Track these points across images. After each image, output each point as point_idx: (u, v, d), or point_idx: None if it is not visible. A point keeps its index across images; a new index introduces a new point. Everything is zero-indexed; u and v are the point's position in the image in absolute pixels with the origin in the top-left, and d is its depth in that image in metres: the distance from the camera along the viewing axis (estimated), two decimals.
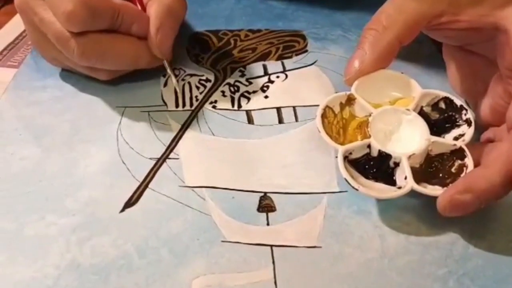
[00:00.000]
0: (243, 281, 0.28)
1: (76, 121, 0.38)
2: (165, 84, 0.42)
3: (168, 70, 0.41)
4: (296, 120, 0.39)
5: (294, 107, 0.40)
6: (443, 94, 0.34)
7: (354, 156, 0.32)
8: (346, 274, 0.29)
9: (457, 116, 0.34)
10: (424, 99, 0.34)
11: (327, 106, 0.34)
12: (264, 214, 0.32)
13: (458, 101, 0.34)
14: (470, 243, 0.30)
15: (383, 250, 0.30)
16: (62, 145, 0.36)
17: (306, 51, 0.47)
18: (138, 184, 0.34)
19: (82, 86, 0.42)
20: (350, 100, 0.35)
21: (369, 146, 0.32)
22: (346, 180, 0.30)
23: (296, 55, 0.46)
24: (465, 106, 0.34)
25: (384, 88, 0.35)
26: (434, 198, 0.29)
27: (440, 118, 0.34)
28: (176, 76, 0.42)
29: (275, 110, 0.40)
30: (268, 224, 0.31)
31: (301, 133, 0.38)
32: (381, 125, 0.33)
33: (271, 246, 0.30)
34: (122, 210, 0.32)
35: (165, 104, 0.40)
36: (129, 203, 0.33)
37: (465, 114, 0.33)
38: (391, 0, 0.34)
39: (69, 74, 0.43)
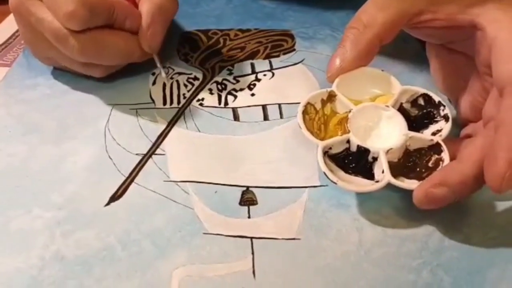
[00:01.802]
0: (222, 272, 0.29)
1: (64, 119, 0.39)
2: (154, 83, 0.43)
3: (158, 64, 0.42)
4: (281, 117, 0.40)
5: (279, 105, 0.41)
6: (422, 90, 0.35)
7: (334, 151, 0.33)
8: (323, 265, 0.29)
9: (435, 112, 0.35)
10: (404, 95, 0.35)
11: (308, 103, 0.35)
12: (246, 207, 0.33)
13: (437, 98, 0.35)
14: (445, 235, 0.31)
15: (360, 243, 0.31)
16: (50, 142, 0.37)
17: (294, 50, 0.47)
18: (124, 179, 0.35)
19: (73, 85, 0.43)
20: (331, 97, 0.35)
21: (348, 141, 0.33)
22: (325, 174, 0.31)
23: (284, 54, 0.47)
24: (443, 102, 0.34)
25: (365, 85, 0.36)
26: (411, 191, 0.30)
27: (419, 114, 0.35)
28: (165, 68, 0.44)
29: (260, 107, 0.41)
30: (249, 217, 0.32)
31: (286, 130, 0.39)
32: (361, 121, 0.34)
33: (251, 238, 0.31)
34: (107, 204, 0.33)
35: (153, 101, 0.41)
36: (114, 197, 0.33)
37: (443, 110, 0.34)
38: (372, 0, 0.35)
39: (60, 73, 0.44)
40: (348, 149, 0.33)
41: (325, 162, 0.32)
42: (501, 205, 0.33)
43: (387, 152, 0.32)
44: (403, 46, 0.45)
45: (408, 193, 0.31)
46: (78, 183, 0.34)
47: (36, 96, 0.41)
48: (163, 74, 0.42)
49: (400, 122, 0.33)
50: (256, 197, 0.33)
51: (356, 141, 0.32)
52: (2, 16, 0.53)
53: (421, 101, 0.35)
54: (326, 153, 0.32)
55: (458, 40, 0.35)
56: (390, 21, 0.34)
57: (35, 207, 0.33)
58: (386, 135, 0.33)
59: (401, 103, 0.35)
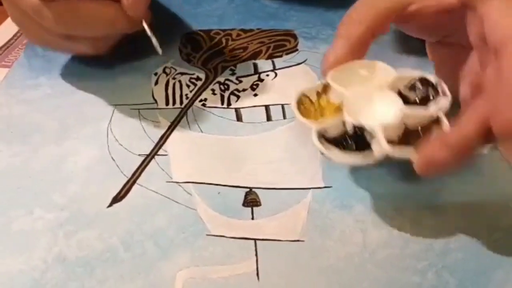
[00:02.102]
0: (226, 273, 0.29)
1: (66, 119, 0.39)
2: (156, 83, 0.43)
3: (148, 31, 0.40)
4: (284, 117, 0.40)
5: (282, 105, 0.41)
6: (418, 74, 0.35)
7: (331, 134, 0.32)
8: (327, 267, 0.29)
9: (434, 93, 0.34)
10: (401, 82, 0.35)
11: (303, 94, 0.34)
12: (249, 208, 0.33)
13: (434, 79, 0.34)
14: (451, 237, 0.31)
15: (364, 244, 0.30)
16: (51, 142, 0.37)
17: (297, 50, 0.47)
18: (126, 180, 0.34)
19: (74, 85, 0.42)
20: (326, 89, 0.35)
21: (344, 124, 0.32)
22: (321, 152, 0.31)
23: (287, 54, 0.47)
24: (440, 82, 0.34)
25: (360, 76, 0.35)
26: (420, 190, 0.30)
27: (418, 98, 0.35)
28: (156, 37, 0.41)
29: (263, 108, 0.41)
30: (252, 219, 0.32)
31: (289, 131, 0.38)
32: (355, 103, 0.33)
33: (255, 239, 0.31)
34: (110, 205, 0.33)
35: (156, 102, 0.41)
36: (117, 198, 0.33)
37: (441, 89, 0.34)
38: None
39: (61, 73, 0.43)
40: (345, 131, 0.32)
41: (322, 144, 0.31)
42: (506, 207, 0.33)
43: (384, 128, 0.31)
44: (404, 48, 0.45)
45: (413, 192, 0.30)
46: (80, 184, 0.34)
47: (38, 96, 0.41)
48: (154, 41, 0.40)
49: (395, 100, 0.33)
50: (259, 198, 0.33)
51: (351, 120, 0.32)
52: (3, 16, 0.53)
53: (419, 85, 0.35)
54: (323, 137, 0.32)
55: (452, 32, 0.35)
56: (380, 16, 0.34)
57: (37, 208, 0.32)
58: (382, 113, 0.33)
59: (399, 90, 0.35)
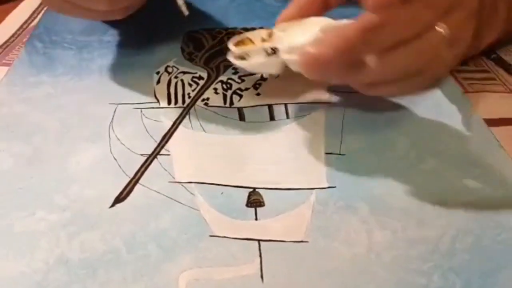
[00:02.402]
0: (229, 275, 0.29)
1: (68, 119, 0.39)
2: (158, 81, 0.43)
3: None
4: (288, 117, 0.39)
5: (285, 104, 0.40)
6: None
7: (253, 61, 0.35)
8: (332, 269, 0.29)
9: None
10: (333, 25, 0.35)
11: (247, 37, 0.37)
12: (253, 209, 0.32)
13: None
14: (457, 238, 0.30)
15: (369, 245, 0.30)
16: (53, 142, 0.37)
17: None
18: (128, 180, 0.34)
19: (76, 84, 0.42)
20: (270, 35, 0.36)
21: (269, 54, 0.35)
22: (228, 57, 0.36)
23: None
24: None
25: (307, 30, 0.35)
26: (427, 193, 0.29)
27: None
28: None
29: (266, 107, 0.40)
30: (256, 219, 0.32)
31: (292, 130, 0.38)
32: (281, 37, 0.35)
33: (259, 240, 0.30)
34: (112, 206, 0.32)
35: (158, 101, 0.41)
36: (119, 199, 0.33)
37: None
38: None
39: (63, 69, 0.43)
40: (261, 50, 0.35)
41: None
42: None
43: (292, 48, 0.33)
44: None
45: (418, 192, 0.30)
46: (82, 184, 0.34)
47: (39, 95, 0.41)
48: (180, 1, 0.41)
49: (321, 24, 0.34)
50: (263, 198, 0.33)
51: (268, 45, 0.34)
52: (2, 15, 0.52)
53: None
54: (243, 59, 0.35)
55: None
56: None
57: (39, 209, 0.32)
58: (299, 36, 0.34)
59: None
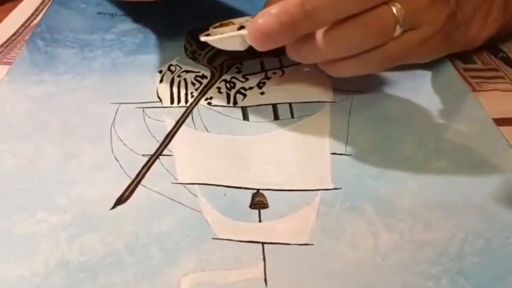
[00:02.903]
0: (233, 279, 0.28)
1: (69, 118, 0.38)
2: (161, 80, 0.42)
3: None
4: (292, 116, 0.39)
5: (290, 104, 0.40)
6: None
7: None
8: (338, 272, 0.28)
9: None
10: None
11: (230, 22, 0.39)
12: (256, 211, 0.32)
13: None
14: (466, 241, 0.30)
15: (375, 248, 0.29)
16: (55, 143, 0.36)
17: None
18: (130, 181, 0.33)
19: (78, 83, 0.42)
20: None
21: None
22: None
23: None
24: None
25: None
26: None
27: None
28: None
29: (271, 106, 0.40)
30: (260, 221, 0.31)
31: (297, 130, 0.38)
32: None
33: (262, 243, 0.30)
34: (113, 207, 0.32)
35: (160, 100, 0.40)
36: (121, 200, 0.32)
37: None
38: None
39: (64, 67, 0.43)
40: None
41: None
42: None
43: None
44: None
45: (425, 192, 0.30)
46: (84, 186, 0.33)
47: (41, 94, 0.40)
48: None
49: None
50: (267, 200, 0.32)
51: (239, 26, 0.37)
52: (4, 13, 0.52)
53: None
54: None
55: None
56: None
57: (40, 211, 0.32)
58: None
59: None
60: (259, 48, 0.33)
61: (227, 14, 0.50)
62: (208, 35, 0.39)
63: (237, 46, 0.36)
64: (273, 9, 0.32)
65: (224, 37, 0.36)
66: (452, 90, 0.41)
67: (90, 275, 0.28)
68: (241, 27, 0.37)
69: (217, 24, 0.40)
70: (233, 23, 0.39)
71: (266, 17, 0.32)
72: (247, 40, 0.34)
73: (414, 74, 0.43)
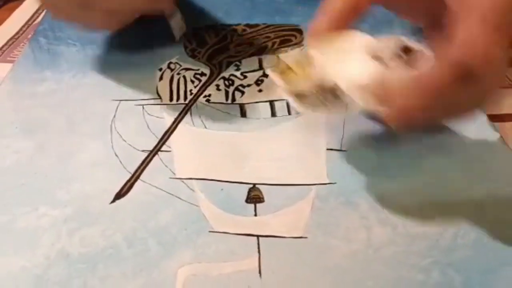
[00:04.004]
0: (228, 270, 0.29)
1: (71, 115, 0.39)
2: (161, 78, 0.43)
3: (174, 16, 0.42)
4: (289, 113, 0.39)
5: (287, 101, 0.40)
6: (398, 39, 0.34)
7: (304, 93, 0.32)
8: (331, 265, 0.29)
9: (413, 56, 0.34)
10: (376, 44, 0.34)
11: (283, 62, 0.35)
12: (252, 205, 0.32)
13: (414, 44, 0.34)
14: (457, 234, 0.30)
15: (368, 241, 0.30)
16: (56, 139, 0.37)
17: (302, 45, 0.47)
18: (129, 176, 0.34)
19: (80, 81, 0.42)
20: (309, 59, 0.34)
21: (319, 85, 0.32)
22: (292, 104, 0.31)
23: (292, 49, 0.46)
24: (420, 45, 0.33)
25: (338, 44, 0.35)
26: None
27: (390, 57, 0.34)
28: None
29: (268, 103, 0.40)
30: (255, 215, 0.32)
31: (293, 127, 0.38)
32: (330, 64, 0.33)
33: (258, 236, 0.30)
34: (113, 201, 0.33)
35: (160, 97, 0.41)
36: (120, 195, 0.33)
37: (420, 50, 0.33)
38: None
39: (67, 66, 0.43)
40: (319, 90, 0.32)
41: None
42: None
43: (358, 87, 0.31)
44: None
45: (419, 187, 0.30)
46: (84, 180, 0.34)
47: (43, 91, 0.41)
48: (179, 16, 0.42)
49: (368, 60, 0.32)
50: (262, 194, 0.33)
51: (324, 77, 0.32)
52: (8, 12, 0.53)
53: (400, 52, 0.34)
54: (298, 96, 0.32)
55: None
56: None
57: (41, 205, 0.32)
58: (356, 72, 0.33)
59: (379, 56, 0.34)
60: (396, 127, 0.30)
61: (227, 12, 0.51)
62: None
63: (341, 112, 0.32)
64: (423, 83, 0.29)
65: (328, 110, 0.32)
66: None
67: (90, 266, 0.29)
68: (333, 89, 0.32)
69: (272, 68, 0.37)
70: (289, 66, 0.35)
71: (414, 95, 0.29)
72: (354, 106, 0.31)
73: None
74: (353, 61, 0.33)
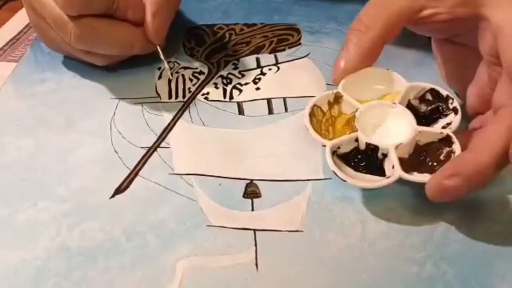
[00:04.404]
0: (225, 263, 0.29)
1: (71, 113, 0.40)
2: (160, 77, 0.43)
3: (161, 56, 0.42)
4: (286, 110, 0.40)
5: (284, 98, 0.41)
6: (429, 85, 0.35)
7: (343, 150, 0.32)
8: (326, 258, 0.29)
9: (444, 106, 0.34)
10: (411, 92, 0.35)
11: (315, 105, 0.34)
12: (249, 200, 0.33)
13: (444, 92, 0.34)
14: (450, 229, 0.31)
15: (363, 235, 0.31)
16: (56, 136, 0.38)
17: (300, 44, 0.47)
18: (128, 172, 0.35)
19: (80, 80, 0.43)
20: (337, 98, 0.35)
21: (357, 140, 0.32)
22: (335, 173, 0.31)
23: (290, 48, 0.47)
24: (451, 95, 0.34)
25: (371, 85, 0.35)
26: (423, 186, 0.30)
27: (427, 110, 0.35)
28: (169, 62, 0.44)
29: (265, 101, 0.41)
30: (252, 210, 0.32)
31: (290, 124, 0.39)
32: (368, 119, 0.33)
33: (254, 230, 0.31)
34: (112, 196, 0.33)
35: (159, 95, 0.41)
36: (119, 190, 0.34)
37: (452, 103, 0.34)
38: (372, 0, 0.35)
39: (67, 68, 0.44)
40: (357, 148, 0.32)
41: (334, 161, 0.31)
42: (507, 200, 0.33)
43: (397, 147, 0.31)
44: (409, 40, 0.44)
45: (417, 186, 0.30)
46: (84, 176, 0.35)
47: (44, 91, 0.42)
48: (166, 66, 0.43)
49: (408, 118, 0.33)
50: (259, 190, 0.33)
51: (364, 138, 0.32)
52: (11, 12, 0.54)
53: (429, 96, 0.35)
54: (334, 153, 0.32)
55: (462, 33, 0.35)
56: (391, 20, 0.33)
57: (42, 200, 0.33)
58: (395, 131, 0.33)
59: (409, 100, 0.35)
60: (433, 199, 0.30)
61: (225, 12, 0.52)
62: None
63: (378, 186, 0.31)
64: (464, 170, 0.29)
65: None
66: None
67: (89, 259, 0.29)
68: (373, 148, 0.32)
69: (307, 115, 0.34)
70: (321, 108, 0.35)
71: (455, 181, 0.29)
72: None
73: (409, 66, 0.43)
74: (391, 117, 0.34)
